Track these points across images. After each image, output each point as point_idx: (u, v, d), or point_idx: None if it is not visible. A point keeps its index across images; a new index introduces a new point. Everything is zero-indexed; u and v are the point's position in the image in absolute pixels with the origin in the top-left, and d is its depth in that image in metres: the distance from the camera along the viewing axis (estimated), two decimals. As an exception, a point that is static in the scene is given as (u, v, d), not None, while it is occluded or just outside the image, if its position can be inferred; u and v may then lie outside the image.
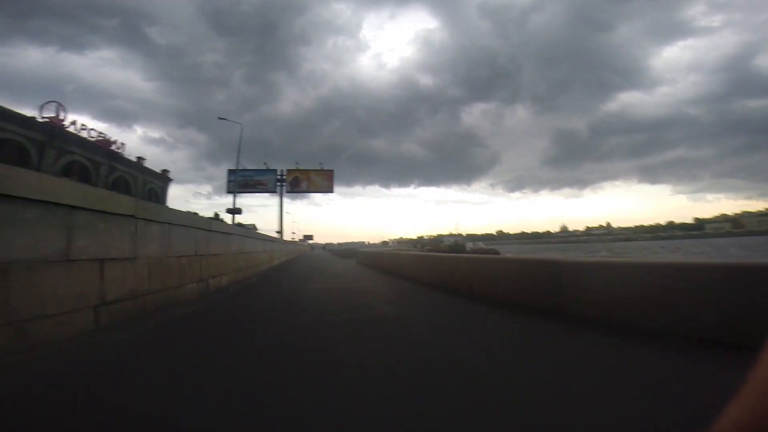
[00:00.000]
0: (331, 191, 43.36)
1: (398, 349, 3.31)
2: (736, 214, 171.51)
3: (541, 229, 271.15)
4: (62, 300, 3.34)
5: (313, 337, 3.80)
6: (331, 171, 43.22)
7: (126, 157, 47.47)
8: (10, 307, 2.82)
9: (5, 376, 2.61)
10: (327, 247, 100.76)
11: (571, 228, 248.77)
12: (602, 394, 2.19)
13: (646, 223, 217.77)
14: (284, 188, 41.68)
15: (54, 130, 37.39)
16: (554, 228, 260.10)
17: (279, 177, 41.65)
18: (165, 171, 58.88)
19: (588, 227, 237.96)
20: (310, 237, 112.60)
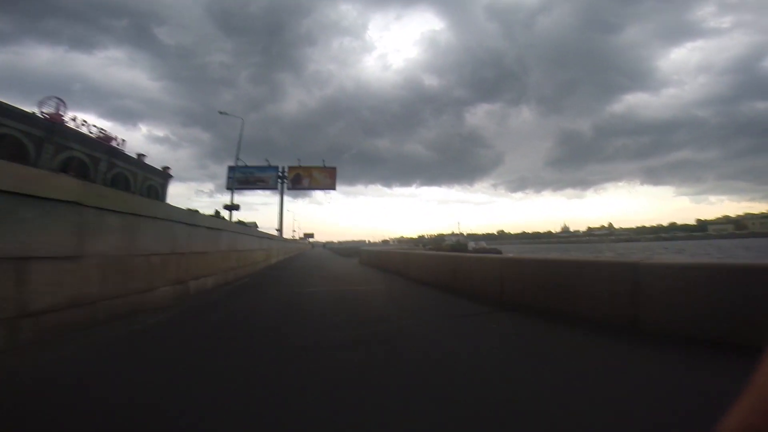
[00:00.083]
0: (334, 189, 42.36)
1: (432, 388, 2.29)
2: (739, 216, 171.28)
3: (542, 229, 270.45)
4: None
5: (309, 370, 2.63)
6: (334, 168, 42.30)
7: (126, 153, 46.90)
8: None
9: None
10: (327, 246, 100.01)
11: (572, 228, 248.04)
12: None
13: (648, 224, 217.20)
14: (285, 185, 40.81)
15: (53, 125, 36.78)
16: (555, 228, 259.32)
17: (280, 174, 40.78)
18: (166, 168, 58.32)
19: (590, 228, 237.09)
20: (310, 235, 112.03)
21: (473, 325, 4.28)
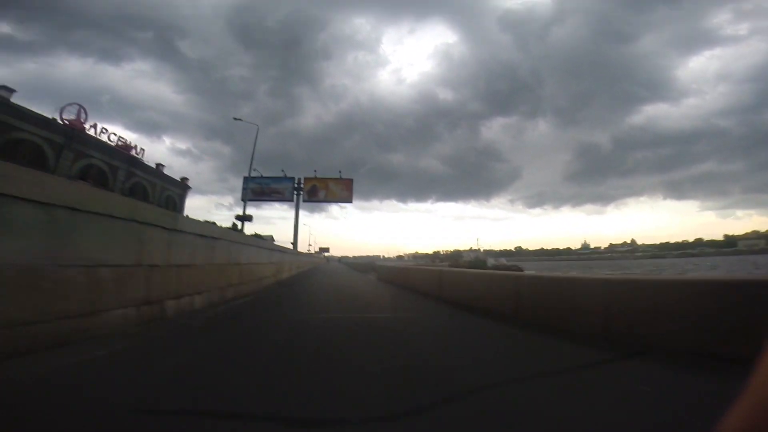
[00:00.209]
0: (350, 201, 41.01)
1: None
2: None
3: (561, 246, 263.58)
4: None
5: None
6: (350, 180, 41.01)
7: (145, 163, 46.95)
8: None
9: None
10: (342, 260, 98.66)
11: (593, 245, 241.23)
12: None
13: (672, 240, 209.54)
14: (301, 197, 39.67)
15: (73, 132, 36.89)
16: (575, 245, 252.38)
17: (296, 185, 39.73)
18: (184, 179, 58.48)
19: (611, 244, 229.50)
20: (326, 249, 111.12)
21: (613, 390, 2.51)
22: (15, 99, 32.39)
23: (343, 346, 3.86)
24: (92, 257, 3.58)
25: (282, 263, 16.05)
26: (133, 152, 44.25)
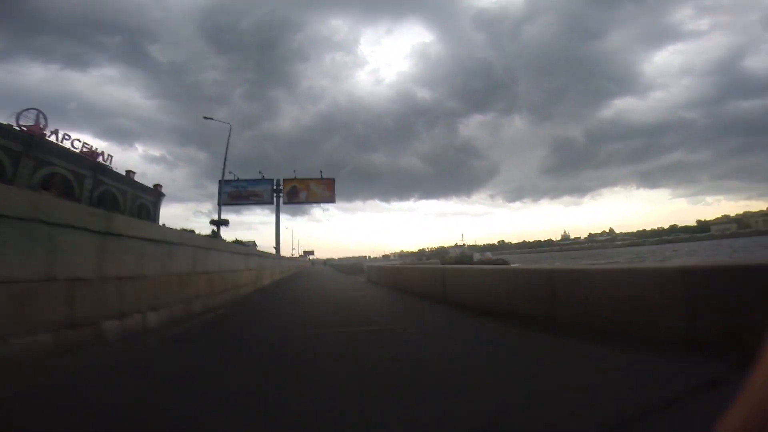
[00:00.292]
0: (333, 201, 39.51)
1: None
2: (739, 215, 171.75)
3: (542, 238, 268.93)
4: None
5: None
6: (332, 180, 39.54)
7: (114, 170, 44.45)
8: None
9: None
10: (328, 263, 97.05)
11: (573, 235, 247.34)
12: None
13: (648, 228, 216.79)
14: (281, 199, 38.07)
15: (32, 139, 34.38)
16: (556, 236, 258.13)
17: (275, 187, 38.10)
18: (157, 186, 55.96)
19: (591, 234, 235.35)
20: (310, 252, 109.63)
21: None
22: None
23: (337, 381, 2.77)
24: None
25: (262, 269, 14.79)
26: (99, 159, 41.82)
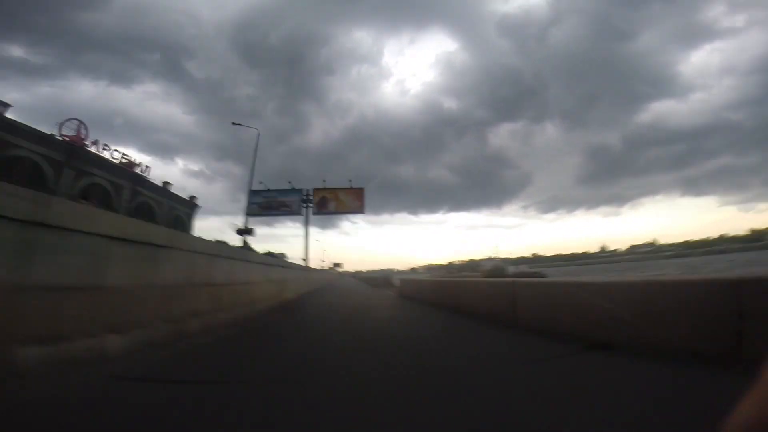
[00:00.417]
0: (362, 212, 38.13)
1: None
2: None
3: (578, 250, 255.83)
4: None
5: None
6: (361, 189, 38.23)
7: (151, 181, 45.43)
8: None
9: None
10: (356, 275, 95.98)
11: (611, 247, 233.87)
12: None
13: (695, 238, 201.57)
14: (310, 210, 37.16)
15: (73, 149, 35.46)
16: (593, 248, 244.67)
17: (305, 197, 37.29)
18: (192, 197, 57.00)
19: (633, 245, 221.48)
20: (339, 265, 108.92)
21: None
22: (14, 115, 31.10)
23: None
24: None
25: (285, 281, 13.38)
26: (137, 170, 42.82)
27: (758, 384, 0.44)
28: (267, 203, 36.95)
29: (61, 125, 34.55)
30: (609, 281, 4.32)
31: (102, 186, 39.54)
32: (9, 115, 30.60)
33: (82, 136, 36.24)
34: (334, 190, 38.01)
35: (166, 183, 49.89)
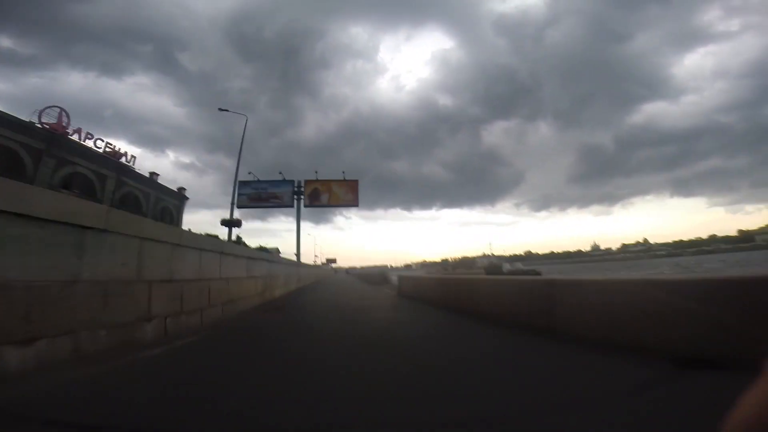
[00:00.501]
0: (356, 204, 36.84)
1: None
2: None
3: (570, 248, 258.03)
4: None
5: None
6: (356, 181, 36.97)
7: (137, 171, 43.78)
8: None
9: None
10: (350, 271, 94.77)
11: (603, 246, 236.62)
12: None
13: (685, 238, 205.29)
14: (302, 202, 35.86)
15: (54, 137, 33.76)
16: (585, 247, 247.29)
17: (296, 189, 35.98)
18: (181, 189, 55.35)
19: (624, 244, 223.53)
20: (333, 260, 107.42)
21: None
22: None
23: None
24: None
25: (273, 277, 12.24)
26: (123, 160, 41.16)
27: (758, 383, 0.44)
28: (257, 195, 35.60)
29: (40, 112, 32.83)
30: (695, 277, 3.28)
31: (85, 176, 37.92)
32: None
33: (64, 124, 34.52)
34: (327, 182, 36.75)
35: (153, 173, 48.17)
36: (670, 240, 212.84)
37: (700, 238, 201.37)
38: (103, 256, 3.47)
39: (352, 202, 36.91)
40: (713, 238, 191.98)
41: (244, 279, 8.38)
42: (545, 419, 2.01)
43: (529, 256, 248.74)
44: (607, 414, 2.01)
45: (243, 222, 24.80)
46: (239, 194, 32.27)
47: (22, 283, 2.70)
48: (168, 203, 51.60)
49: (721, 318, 2.53)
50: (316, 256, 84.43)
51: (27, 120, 32.08)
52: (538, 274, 38.03)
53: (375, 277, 30.64)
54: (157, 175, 49.13)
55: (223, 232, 26.39)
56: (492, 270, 55.05)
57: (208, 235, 20.60)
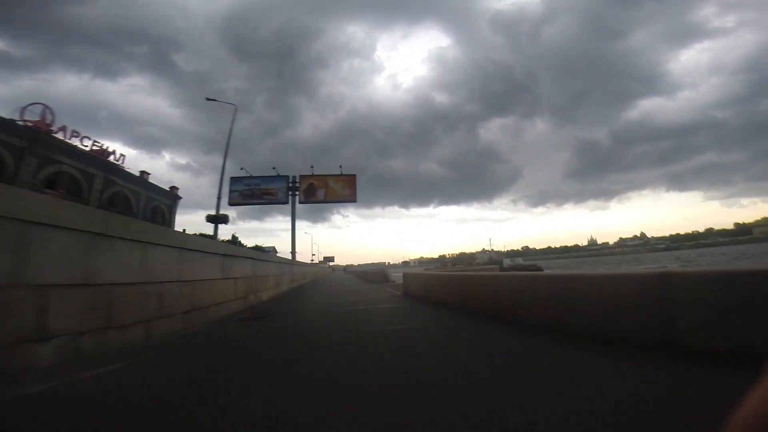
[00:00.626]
0: (354, 200, 35.29)
1: None
2: None
3: (568, 243, 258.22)
4: None
5: None
6: (353, 176, 35.51)
7: (126, 170, 42.22)
8: None
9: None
10: (348, 269, 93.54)
11: (600, 240, 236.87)
12: None
13: (681, 232, 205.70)
14: (297, 198, 34.40)
15: (37, 135, 32.21)
16: (581, 241, 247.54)
17: (291, 184, 34.52)
18: (173, 188, 53.74)
19: (621, 238, 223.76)
20: (330, 259, 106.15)
21: None
22: None
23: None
24: None
25: (261, 277, 10.91)
26: (111, 158, 39.61)
27: (762, 381, 0.44)
28: (249, 191, 34.15)
29: (23, 110, 31.22)
30: None
31: (71, 175, 36.40)
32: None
33: (48, 122, 32.95)
34: (323, 177, 35.31)
35: (143, 172, 46.61)
36: (666, 234, 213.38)
37: (696, 231, 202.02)
38: (41, 255, 2.13)
39: (350, 197, 35.41)
40: (710, 232, 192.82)
41: (218, 281, 7.04)
42: None
43: (526, 251, 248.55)
44: None
45: (241, 222, 23.70)
46: (231, 191, 30.90)
47: None
48: (160, 203, 50.03)
49: None
50: (313, 254, 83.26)
51: (7, 118, 30.52)
52: (540, 269, 36.74)
53: (374, 275, 29.14)
54: (148, 174, 47.57)
55: (220, 234, 24.77)
56: (510, 266, 52.11)
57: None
